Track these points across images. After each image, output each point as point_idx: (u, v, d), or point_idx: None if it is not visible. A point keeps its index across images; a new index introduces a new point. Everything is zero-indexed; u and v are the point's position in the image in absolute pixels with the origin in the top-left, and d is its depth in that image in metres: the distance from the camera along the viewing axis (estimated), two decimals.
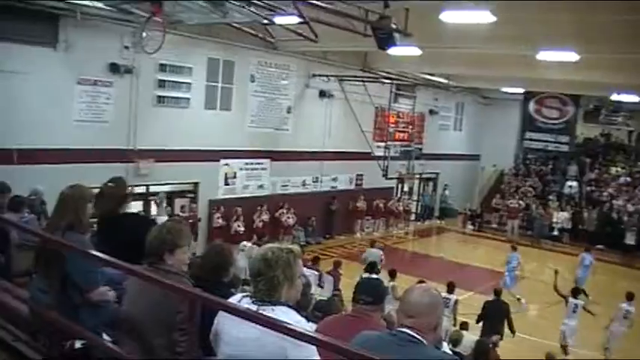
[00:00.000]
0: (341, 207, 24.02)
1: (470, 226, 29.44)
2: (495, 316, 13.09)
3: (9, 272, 6.03)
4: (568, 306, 13.94)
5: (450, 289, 13.67)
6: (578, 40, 13.84)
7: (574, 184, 29.93)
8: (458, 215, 30.84)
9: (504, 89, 28.40)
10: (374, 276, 12.05)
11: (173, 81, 17.64)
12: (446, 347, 10.18)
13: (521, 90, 28.84)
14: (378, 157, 23.62)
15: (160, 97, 17.39)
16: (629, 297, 14.09)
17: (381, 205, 26.23)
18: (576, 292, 14.27)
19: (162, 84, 17.40)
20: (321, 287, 14.36)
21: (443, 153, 30.30)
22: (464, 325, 12.58)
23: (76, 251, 4.32)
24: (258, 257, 3.44)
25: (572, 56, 15.20)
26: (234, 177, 20.28)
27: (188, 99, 18.15)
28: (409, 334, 3.16)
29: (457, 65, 20.80)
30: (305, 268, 12.10)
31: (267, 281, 3.36)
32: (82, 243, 4.44)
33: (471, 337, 11.27)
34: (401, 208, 27.40)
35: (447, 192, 31.08)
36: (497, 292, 13.73)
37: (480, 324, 13.14)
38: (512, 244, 20.34)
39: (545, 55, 15.77)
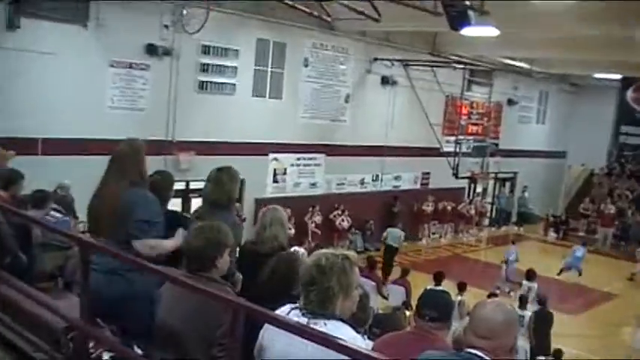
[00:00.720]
0: (404, 209, 23.89)
1: (553, 234, 28.95)
2: (542, 327, 13.12)
3: (31, 275, 6.03)
4: (521, 289, 15.40)
5: (523, 304, 13.50)
6: None
7: None
8: (539, 221, 30.36)
9: (597, 75, 27.77)
10: (440, 288, 11.97)
11: (217, 65, 17.80)
12: None
13: (617, 76, 28.14)
14: (448, 154, 23.40)
15: (202, 82, 17.58)
16: None
17: (450, 208, 26.01)
18: (531, 275, 15.54)
19: (205, 68, 17.57)
20: (385, 298, 14.34)
21: (523, 149, 29.87)
22: (557, 353, 12.42)
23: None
24: (310, 264, 3.44)
25: None
26: (284, 173, 20.39)
27: (234, 85, 18.30)
28: (480, 357, 3.11)
29: (541, 48, 20.45)
30: (361, 277, 12.05)
31: (321, 291, 3.36)
32: (151, 200, 4.87)
33: None
34: (473, 212, 27.14)
35: (526, 194, 30.58)
36: (542, 302, 13.67)
37: None
38: (512, 239, 21.84)
39: None
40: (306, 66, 20.35)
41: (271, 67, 19.23)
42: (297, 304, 3.44)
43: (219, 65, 17.87)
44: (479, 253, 25.24)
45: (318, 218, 20.84)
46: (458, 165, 22.94)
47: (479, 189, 28.63)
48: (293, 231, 19.62)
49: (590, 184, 31.41)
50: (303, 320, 3.31)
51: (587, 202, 29.51)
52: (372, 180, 23.41)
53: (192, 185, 17.15)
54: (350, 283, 3.44)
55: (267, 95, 19.31)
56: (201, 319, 3.83)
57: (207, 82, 17.69)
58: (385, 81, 22.80)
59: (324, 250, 3.51)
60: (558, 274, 21.29)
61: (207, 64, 17.63)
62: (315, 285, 3.37)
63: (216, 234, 4.12)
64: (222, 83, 18.03)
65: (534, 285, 15.62)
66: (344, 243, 21.01)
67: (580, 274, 21.20)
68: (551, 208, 30.30)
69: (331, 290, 3.36)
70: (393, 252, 20.20)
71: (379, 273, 16.58)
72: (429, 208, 25.05)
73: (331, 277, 3.37)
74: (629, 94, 31.24)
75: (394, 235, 20.13)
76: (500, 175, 29.47)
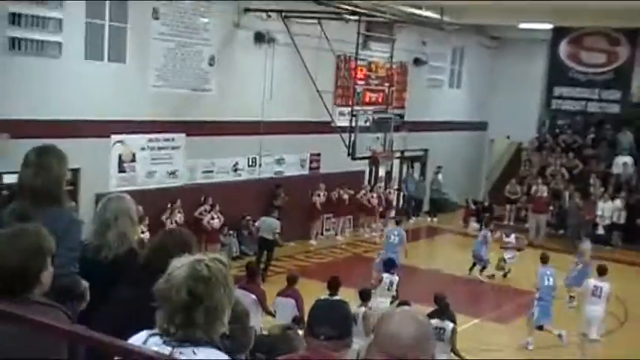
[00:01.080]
0: (290, 201, 23.98)
1: (474, 225, 29.52)
2: None
3: None
4: (382, 283, 16.42)
5: (443, 312, 13.74)
6: None
7: (628, 160, 30.17)
8: (457, 209, 31.08)
9: (523, 26, 28.55)
10: (336, 298, 12.09)
11: (34, 16, 17.27)
12: None
13: (547, 26, 28.95)
14: (342, 129, 23.57)
15: (13, 39, 17.01)
16: (601, 271, 16.42)
17: (347, 197, 26.29)
18: (389, 266, 16.85)
19: (15, 20, 16.99)
20: (272, 315, 14.37)
21: (434, 121, 30.51)
22: None
23: None
24: (184, 276, 3.33)
25: None
26: (133, 160, 20.09)
27: (59, 44, 17.85)
28: None
29: None
30: (238, 289, 11.99)
31: (208, 312, 3.30)
32: None
33: None
34: (375, 202, 27.50)
35: (440, 177, 31.27)
36: (440, 299, 13.94)
37: None
38: (396, 218, 23.12)
39: None
40: (157, 19, 20.06)
41: (109, 21, 18.85)
42: (156, 330, 3.35)
43: (37, 17, 17.31)
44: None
45: (179, 217, 20.61)
46: (354, 143, 23.13)
47: (382, 172, 29.09)
48: (148, 234, 19.40)
49: (518, 161, 32.41)
50: (166, 350, 3.21)
51: (515, 183, 30.36)
52: (248, 165, 23.44)
53: (7, 179, 16.67)
54: (232, 296, 3.40)
55: (106, 57, 18.97)
56: (26, 355, 3.66)
57: (20, 39, 17.10)
58: (260, 38, 22.75)
59: (197, 257, 3.41)
60: (470, 269, 22.57)
61: (20, 15, 17.02)
62: (201, 304, 3.29)
63: (36, 238, 3.90)
64: (42, 41, 17.50)
65: (395, 278, 16.33)
66: (215, 247, 20.88)
67: (484, 269, 22.20)
68: (471, 192, 31.09)
69: (220, 308, 3.31)
70: (269, 246, 20.67)
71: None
72: (320, 198, 25.23)
73: (216, 291, 3.31)
74: (563, 48, 32.29)
75: (268, 225, 20.57)
76: (407, 154, 30.04)
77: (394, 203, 29.82)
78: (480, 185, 32.69)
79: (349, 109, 24.11)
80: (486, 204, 30.33)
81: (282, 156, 24.50)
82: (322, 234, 25.75)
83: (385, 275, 16.51)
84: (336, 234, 26.34)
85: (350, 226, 26.99)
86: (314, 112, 24.02)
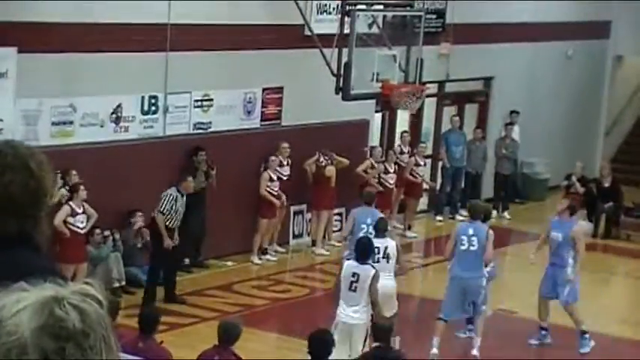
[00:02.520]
0: (222, 179, 24.14)
1: (584, 224, 29.75)
2: None
3: None
4: (342, 277, 17.85)
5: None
6: None
7: None
8: (549, 194, 31.33)
9: None
10: None
11: None
12: None
13: None
14: (324, 41, 23.83)
15: None
16: None
17: (334, 172, 26.46)
18: (363, 250, 18.40)
19: None
20: None
21: (505, 22, 30.82)
22: None
23: None
24: (33, 329, 3.10)
25: None
26: None
27: None
28: None
29: None
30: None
31: None
32: None
33: None
34: (390, 180, 27.85)
35: (515, 131, 31.48)
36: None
37: None
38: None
39: None
40: None
41: None
42: None
43: None
44: (411, 281, 25.72)
45: None
46: (349, 66, 23.44)
47: (402, 126, 29.39)
48: None
49: None
50: None
51: None
52: (142, 111, 23.71)
53: None
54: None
55: None
56: None
57: None
58: None
59: (50, 290, 3.04)
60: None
61: None
62: None
63: None
64: None
65: (367, 271, 17.11)
66: (78, 268, 20.92)
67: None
68: (579, 161, 31.16)
69: None
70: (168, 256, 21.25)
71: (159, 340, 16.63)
72: (280, 173, 25.48)
73: (93, 356, 3.26)
74: None
75: (168, 202, 21.23)
76: (451, 89, 30.41)
77: (426, 184, 30.18)
78: (595, 146, 32.98)
79: (338, 0, 24.41)
80: (607, 184, 30.51)
81: (209, 93, 24.73)
82: (288, 243, 26.09)
83: (349, 263, 17.27)
84: (314, 243, 26.43)
85: (341, 228, 27.11)
86: (270, 10, 24.33)
